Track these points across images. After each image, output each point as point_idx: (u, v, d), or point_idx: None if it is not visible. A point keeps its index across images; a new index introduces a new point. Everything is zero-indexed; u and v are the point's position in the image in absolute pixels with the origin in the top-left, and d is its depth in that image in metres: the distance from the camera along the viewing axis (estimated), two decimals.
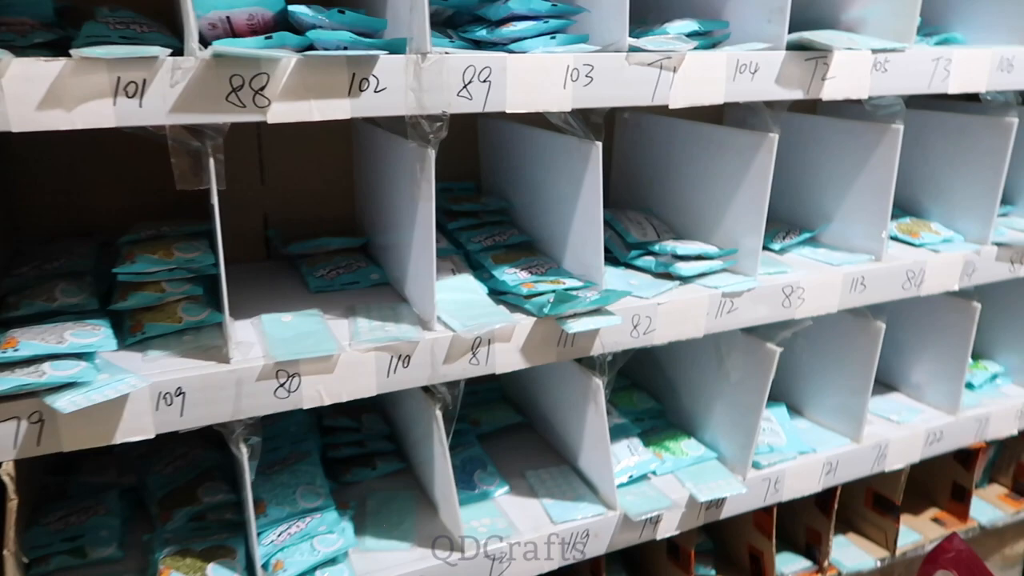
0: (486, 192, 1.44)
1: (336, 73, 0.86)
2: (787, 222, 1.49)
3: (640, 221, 1.37)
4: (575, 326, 1.05)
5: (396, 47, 0.89)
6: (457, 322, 1.03)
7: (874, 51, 1.21)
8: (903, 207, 1.57)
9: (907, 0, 1.24)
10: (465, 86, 0.94)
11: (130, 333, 0.96)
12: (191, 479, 1.17)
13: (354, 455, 1.31)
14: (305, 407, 0.95)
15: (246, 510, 0.99)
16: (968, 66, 1.31)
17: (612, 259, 1.31)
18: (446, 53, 0.92)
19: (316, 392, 0.95)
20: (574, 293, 1.08)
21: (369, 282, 1.20)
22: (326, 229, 1.33)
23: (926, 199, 1.56)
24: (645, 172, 1.45)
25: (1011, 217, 1.63)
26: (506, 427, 1.45)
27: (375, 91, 0.89)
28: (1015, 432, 1.63)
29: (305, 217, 1.35)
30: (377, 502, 1.22)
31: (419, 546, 1.12)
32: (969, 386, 1.63)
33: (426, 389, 1.07)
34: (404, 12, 0.92)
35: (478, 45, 1.05)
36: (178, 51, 0.82)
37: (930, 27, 1.49)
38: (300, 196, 1.35)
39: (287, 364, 0.92)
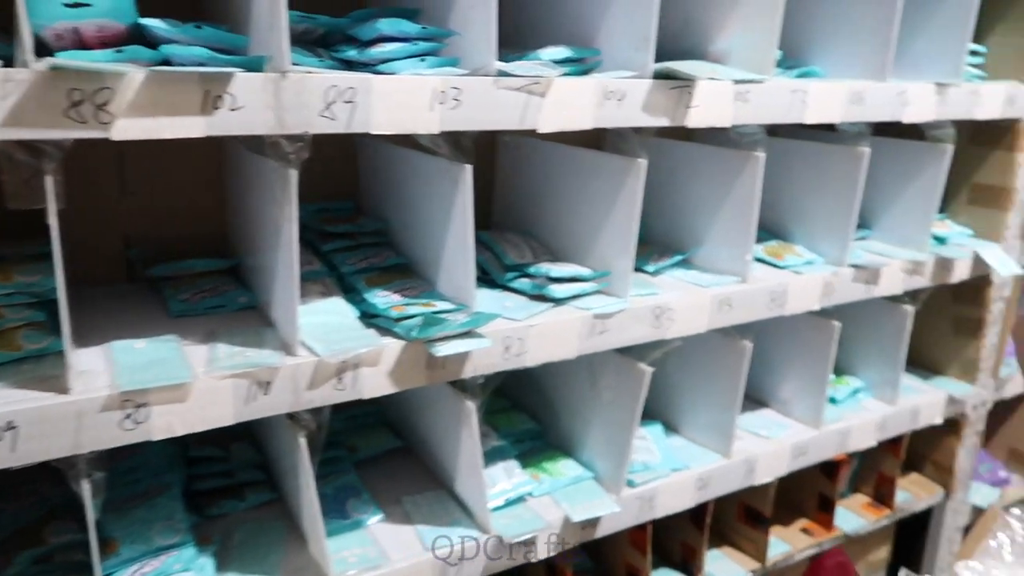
0: (365, 212, 1.42)
1: (188, 90, 0.83)
2: (661, 244, 1.53)
3: (518, 243, 1.38)
4: (444, 349, 1.04)
5: (254, 64, 0.87)
6: (322, 346, 1.00)
7: (736, 82, 1.27)
8: (770, 230, 1.65)
9: (767, 35, 1.31)
10: (328, 106, 0.92)
11: None
12: (37, 518, 1.09)
13: (221, 486, 1.25)
14: (155, 439, 0.90)
15: (92, 551, 0.93)
16: (823, 98, 1.40)
17: (489, 281, 1.32)
18: (308, 72, 0.90)
19: (167, 423, 0.90)
20: (443, 316, 1.07)
21: (236, 306, 1.16)
22: (194, 250, 1.28)
23: (790, 223, 1.65)
24: (525, 195, 1.47)
25: (868, 241, 1.74)
26: (385, 452, 1.42)
27: (231, 109, 0.86)
28: (874, 443, 1.73)
29: (171, 236, 1.29)
30: (244, 535, 1.17)
31: None
32: (832, 401, 1.72)
33: (290, 416, 1.04)
34: (265, 30, 0.90)
35: (349, 65, 1.03)
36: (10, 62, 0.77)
37: (792, 60, 1.57)
38: (166, 214, 1.29)
39: (134, 394, 0.87)
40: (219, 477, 1.25)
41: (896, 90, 1.50)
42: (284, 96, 0.89)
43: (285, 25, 0.87)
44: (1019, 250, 1.89)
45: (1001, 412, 2.27)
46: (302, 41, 1.07)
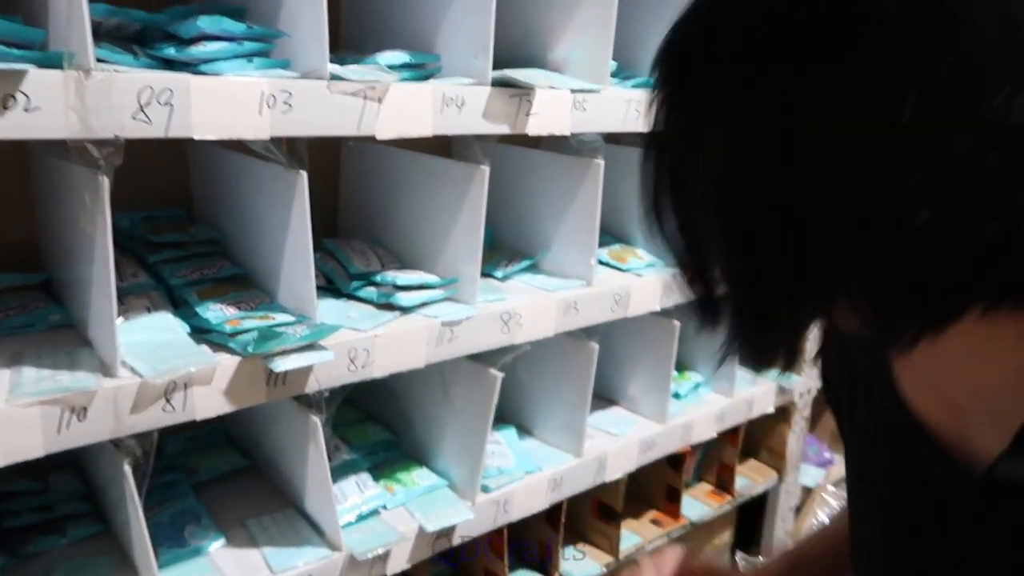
0: (198, 221, 1.34)
1: None
2: (511, 250, 1.55)
3: (365, 251, 1.35)
4: (283, 364, 1.00)
5: (51, 61, 0.79)
6: (146, 366, 0.93)
7: (573, 91, 1.30)
8: (614, 234, 1.71)
9: (602, 45, 1.36)
10: (142, 108, 0.86)
11: None
12: None
13: (38, 521, 1.14)
14: None
15: None
16: None
17: (335, 290, 1.28)
18: (116, 71, 0.84)
19: None
20: (282, 330, 1.03)
21: (47, 324, 1.06)
22: (2, 263, 1.15)
23: (633, 227, 1.71)
24: (371, 202, 1.44)
25: None
26: (228, 472, 1.35)
27: (25, 110, 0.78)
28: (715, 435, 1.83)
29: None
30: (65, 572, 1.07)
31: None
32: (676, 396, 1.81)
33: (114, 443, 0.96)
34: (64, 22, 0.83)
35: (169, 65, 0.97)
36: None
37: (628, 71, 1.64)
38: None
39: None
40: (35, 512, 1.14)
41: None
42: (89, 97, 0.82)
43: (86, 17, 0.80)
44: None
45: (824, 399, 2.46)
46: (115, 37, 1.00)
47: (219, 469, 1.34)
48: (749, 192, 0.47)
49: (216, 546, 1.16)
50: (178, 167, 1.34)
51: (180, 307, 1.12)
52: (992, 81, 0.40)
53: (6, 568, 1.02)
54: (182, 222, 1.32)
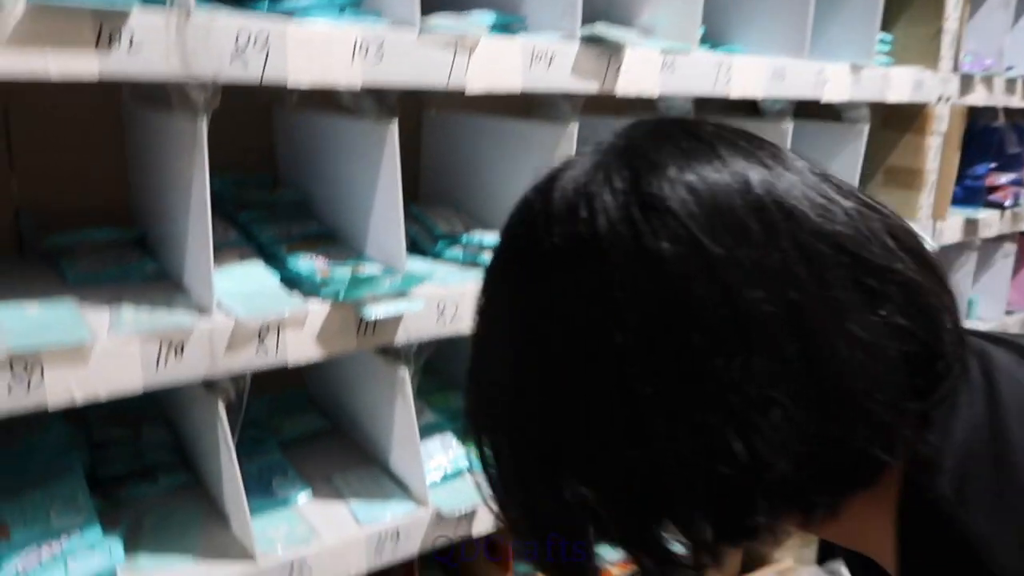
0: (284, 185, 1.36)
1: (79, 24, 0.76)
2: None
3: (448, 215, 1.34)
4: (374, 311, 1.00)
5: (154, 0, 0.81)
6: (241, 308, 0.94)
7: (663, 51, 1.27)
8: None
9: (690, 9, 1.32)
10: (240, 53, 0.87)
11: None
12: None
13: (131, 470, 1.17)
14: (51, 408, 0.82)
15: None
16: (747, 73, 1.41)
17: (419, 251, 1.28)
18: (215, 14, 0.85)
19: (66, 390, 0.83)
20: (373, 277, 1.03)
21: (143, 275, 1.08)
22: (94, 221, 1.19)
23: None
24: (452, 170, 1.44)
25: None
26: (311, 433, 1.36)
27: (128, 50, 0.80)
28: None
29: (68, 207, 1.19)
30: (156, 518, 1.09)
31: (204, 559, 1.02)
32: None
33: (207, 385, 0.98)
34: None
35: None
36: None
37: (712, 39, 1.59)
38: (61, 183, 1.19)
39: (24, 355, 0.79)
40: (128, 460, 1.17)
41: (816, 68, 1.53)
42: (189, 38, 0.83)
43: None
44: (932, 228, 1.97)
45: None
46: None
47: (302, 430, 1.35)
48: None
49: (303, 498, 1.17)
50: (264, 134, 1.36)
51: (270, 261, 1.13)
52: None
53: (102, 512, 1.04)
54: (269, 186, 1.34)
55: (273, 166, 1.38)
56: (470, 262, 1.21)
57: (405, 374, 1.11)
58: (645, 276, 0.46)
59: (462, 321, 1.12)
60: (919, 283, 0.49)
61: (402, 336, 1.07)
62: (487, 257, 1.19)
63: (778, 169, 0.49)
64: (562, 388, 0.49)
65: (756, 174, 0.48)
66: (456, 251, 1.24)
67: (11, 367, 0.79)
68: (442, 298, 1.09)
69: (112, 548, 0.95)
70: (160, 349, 0.88)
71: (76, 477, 1.04)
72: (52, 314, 0.89)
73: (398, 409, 1.15)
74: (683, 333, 0.45)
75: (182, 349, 0.89)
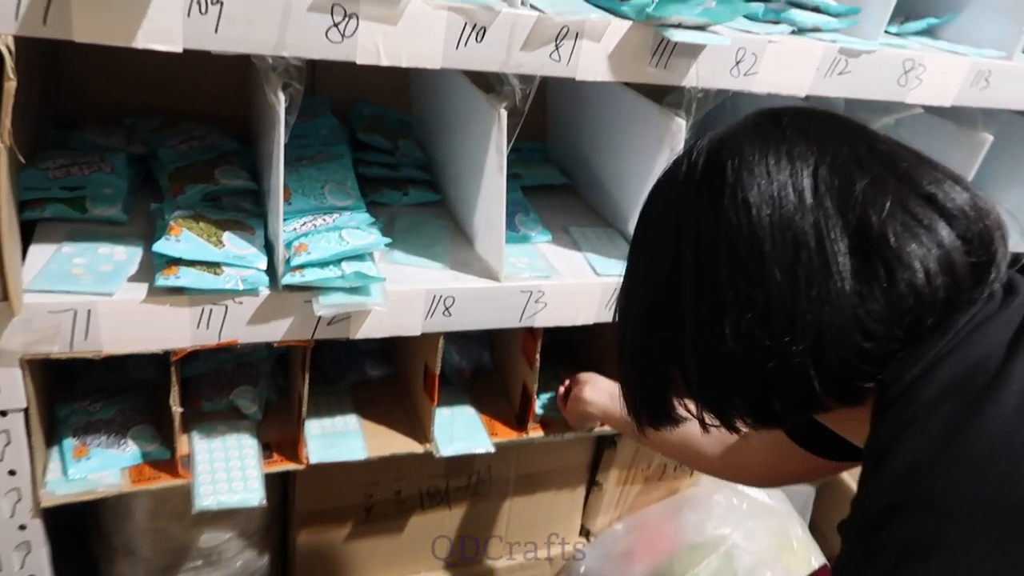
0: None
1: None
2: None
3: None
4: (677, 35, 0.89)
5: None
6: (547, 4, 0.87)
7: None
8: None
9: None
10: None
11: None
12: (208, 159, 1.05)
13: (386, 176, 1.18)
14: (359, 60, 0.80)
15: (273, 171, 0.86)
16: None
17: None
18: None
19: (374, 45, 0.80)
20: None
21: None
22: None
23: None
24: None
25: None
26: (549, 186, 1.32)
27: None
28: None
29: None
30: (407, 224, 1.11)
31: (451, 268, 1.02)
32: None
33: (496, 81, 0.93)
34: None
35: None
36: None
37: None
38: None
39: (343, 3, 0.76)
40: (384, 167, 1.18)
41: None
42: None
43: None
44: None
45: None
46: None
47: (542, 179, 1.32)
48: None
49: (542, 239, 1.14)
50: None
51: None
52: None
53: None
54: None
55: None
56: (772, 19, 1.06)
57: (681, 125, 1.01)
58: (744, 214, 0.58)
59: (756, 78, 1.00)
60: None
61: (692, 77, 0.96)
62: (793, 14, 1.05)
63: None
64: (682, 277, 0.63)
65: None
66: (757, 5, 1.09)
67: (332, 10, 0.76)
68: (744, 45, 0.96)
69: (376, 232, 0.96)
70: (464, 27, 0.82)
71: (346, 165, 1.05)
72: None
73: (659, 167, 1.06)
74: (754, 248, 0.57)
75: (484, 33, 0.83)
